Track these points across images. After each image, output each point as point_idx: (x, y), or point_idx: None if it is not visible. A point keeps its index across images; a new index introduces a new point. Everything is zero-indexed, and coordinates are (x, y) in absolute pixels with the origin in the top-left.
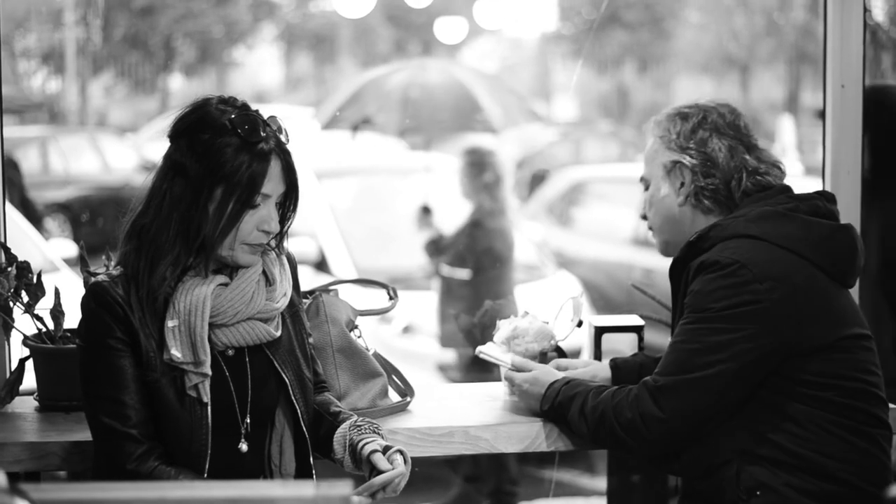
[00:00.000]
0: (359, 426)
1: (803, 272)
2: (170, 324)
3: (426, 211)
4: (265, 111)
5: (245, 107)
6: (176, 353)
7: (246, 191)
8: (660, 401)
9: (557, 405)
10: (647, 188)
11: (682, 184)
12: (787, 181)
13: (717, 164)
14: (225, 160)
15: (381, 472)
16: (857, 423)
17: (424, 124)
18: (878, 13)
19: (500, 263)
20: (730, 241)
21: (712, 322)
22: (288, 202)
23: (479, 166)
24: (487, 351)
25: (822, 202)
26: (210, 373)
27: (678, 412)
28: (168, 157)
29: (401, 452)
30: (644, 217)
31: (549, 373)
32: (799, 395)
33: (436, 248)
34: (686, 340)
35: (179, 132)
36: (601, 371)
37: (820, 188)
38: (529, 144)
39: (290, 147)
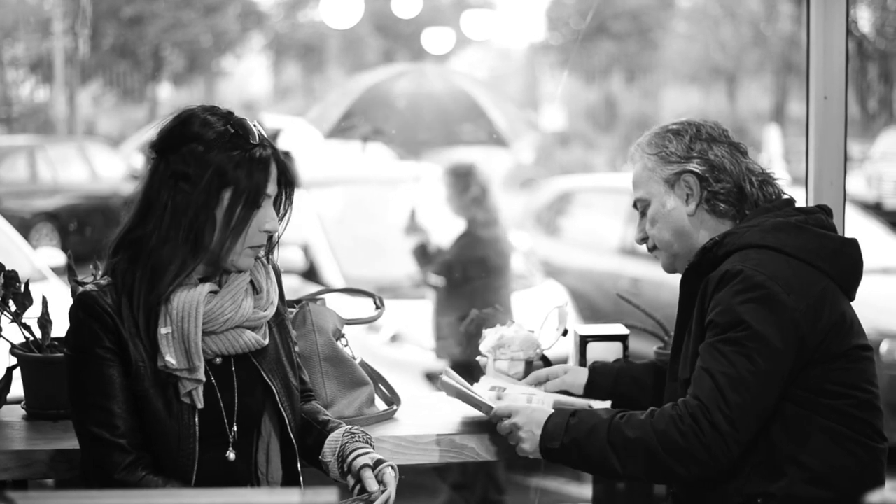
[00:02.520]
0: (353, 433)
1: (820, 283)
2: (163, 331)
3: (414, 216)
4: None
5: (230, 113)
6: (171, 359)
7: (253, 193)
8: (722, 430)
9: (570, 443)
10: (644, 210)
11: (690, 193)
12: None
13: (725, 168)
14: (229, 166)
15: (365, 489)
16: (863, 436)
17: (436, 137)
18: (864, 24)
19: (495, 273)
20: (748, 250)
21: (753, 341)
22: (283, 201)
23: (464, 180)
24: (454, 379)
25: (824, 216)
26: (204, 379)
27: (741, 440)
28: (165, 167)
29: (392, 467)
30: (643, 240)
31: (538, 411)
32: (820, 406)
33: (423, 253)
34: (732, 363)
35: (175, 142)
36: (579, 375)
37: (804, 198)
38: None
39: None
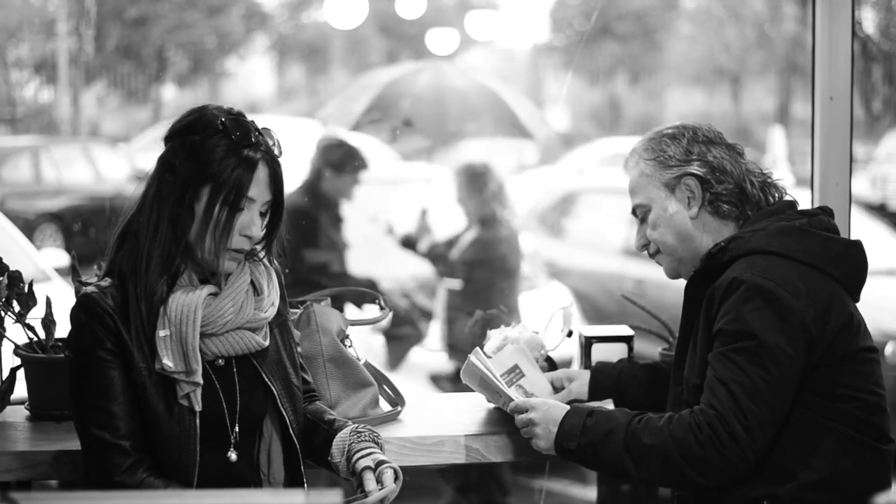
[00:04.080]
0: (359, 433)
1: (827, 287)
2: (161, 333)
3: (425, 216)
4: (258, 121)
5: (240, 114)
6: (168, 362)
7: (232, 192)
8: (739, 439)
9: (586, 444)
10: (644, 217)
11: (692, 196)
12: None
13: (725, 169)
14: (212, 160)
15: (365, 489)
16: (871, 439)
17: (468, 129)
18: (869, 26)
19: (506, 273)
20: (754, 256)
21: (764, 349)
22: (274, 211)
23: (480, 180)
24: (481, 362)
25: (827, 218)
26: (202, 382)
27: (758, 449)
28: (161, 157)
29: (393, 469)
30: (644, 247)
31: (554, 407)
32: (829, 410)
33: (433, 253)
34: (746, 372)
35: (174, 133)
36: (584, 382)
37: (809, 199)
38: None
39: (282, 160)
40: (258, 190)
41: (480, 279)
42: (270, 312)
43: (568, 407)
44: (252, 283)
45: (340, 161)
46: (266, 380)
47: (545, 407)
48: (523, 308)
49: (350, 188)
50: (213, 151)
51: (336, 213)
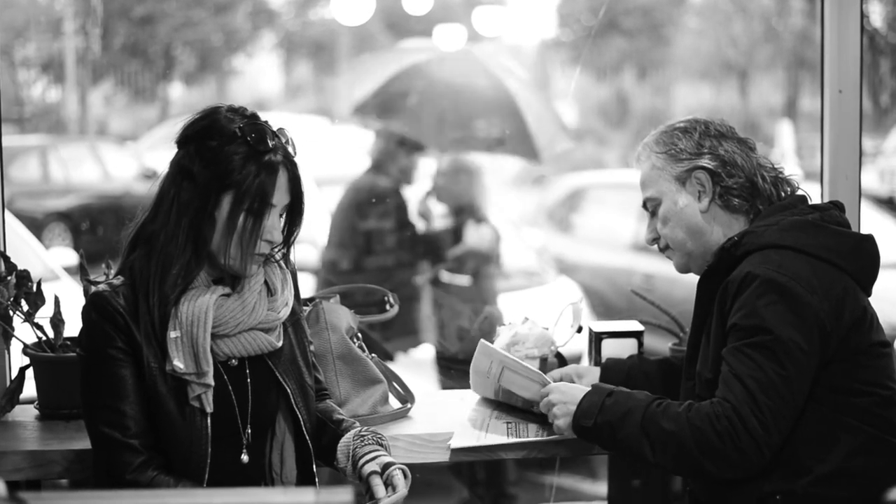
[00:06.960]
0: (362, 436)
1: (841, 282)
2: (172, 335)
3: (426, 200)
4: (266, 118)
5: (254, 116)
6: (178, 363)
7: (256, 201)
8: (755, 434)
9: (604, 423)
10: (654, 210)
11: (702, 190)
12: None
13: (736, 163)
14: (233, 168)
15: (374, 495)
16: (885, 433)
17: (466, 139)
18: (876, 19)
19: (493, 268)
20: (768, 251)
21: (779, 344)
22: (293, 214)
23: (466, 176)
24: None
25: (838, 212)
26: (213, 383)
27: (773, 444)
28: (176, 162)
29: (401, 470)
30: (654, 240)
31: (574, 387)
32: (842, 405)
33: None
34: (761, 367)
35: (188, 138)
36: (593, 377)
37: (819, 193)
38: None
39: (296, 159)
40: (279, 195)
41: (484, 274)
42: (284, 313)
43: (588, 388)
44: (266, 283)
45: (398, 147)
46: (280, 380)
47: (564, 387)
48: (521, 306)
49: (411, 172)
50: (232, 159)
51: (399, 198)
